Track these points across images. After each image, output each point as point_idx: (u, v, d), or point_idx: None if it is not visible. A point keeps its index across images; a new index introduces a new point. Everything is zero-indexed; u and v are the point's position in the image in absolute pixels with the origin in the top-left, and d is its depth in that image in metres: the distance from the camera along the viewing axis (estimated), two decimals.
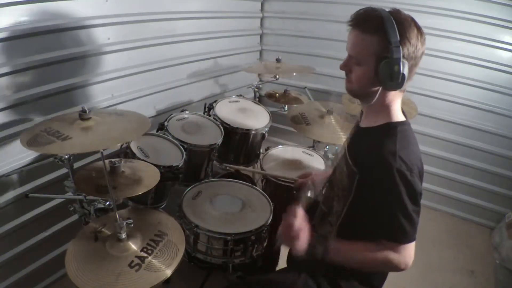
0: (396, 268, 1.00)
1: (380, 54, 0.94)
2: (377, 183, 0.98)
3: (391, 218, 0.96)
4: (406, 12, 0.98)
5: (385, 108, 1.05)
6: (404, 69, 0.93)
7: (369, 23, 0.95)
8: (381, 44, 0.93)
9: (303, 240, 1.03)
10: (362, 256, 1.03)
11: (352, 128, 1.27)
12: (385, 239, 0.99)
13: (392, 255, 0.98)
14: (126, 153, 1.55)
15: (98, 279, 1.04)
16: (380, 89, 1.01)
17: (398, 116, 1.06)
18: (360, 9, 0.99)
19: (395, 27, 0.91)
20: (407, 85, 1.03)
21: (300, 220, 1.05)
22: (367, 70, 0.98)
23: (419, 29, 0.96)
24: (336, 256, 1.04)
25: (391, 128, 1.03)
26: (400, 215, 0.95)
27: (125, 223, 1.16)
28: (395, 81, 0.94)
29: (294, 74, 2.63)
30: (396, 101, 1.05)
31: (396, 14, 0.95)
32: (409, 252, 0.99)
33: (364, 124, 1.14)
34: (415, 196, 0.96)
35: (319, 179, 1.49)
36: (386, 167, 0.95)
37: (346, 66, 1.05)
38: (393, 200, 0.95)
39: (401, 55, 0.92)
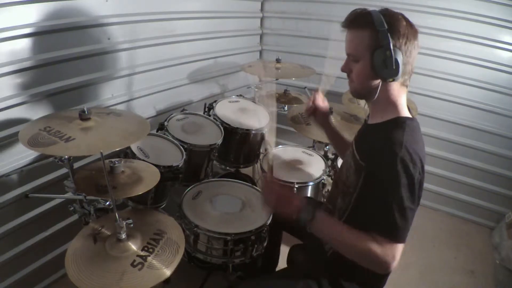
0: (378, 264, 0.96)
1: (373, 46, 0.98)
2: (379, 171, 0.97)
3: (385, 209, 0.94)
4: (404, 12, 1.02)
5: (392, 105, 1.06)
6: (397, 55, 0.96)
7: (358, 19, 1.01)
8: (372, 36, 0.98)
9: (288, 198, 1.08)
10: (346, 238, 1.00)
11: (360, 127, 1.27)
12: (374, 231, 0.96)
13: (376, 249, 0.94)
14: (126, 153, 1.55)
15: (101, 280, 1.04)
16: (380, 83, 1.03)
17: (405, 112, 1.07)
18: (351, 11, 1.04)
19: (382, 18, 0.96)
20: (408, 80, 1.05)
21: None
22: (364, 65, 1.02)
23: (408, 22, 1.00)
24: (320, 227, 1.03)
25: (399, 122, 1.03)
26: (395, 207, 0.93)
27: (125, 223, 1.16)
28: (390, 68, 0.97)
29: (293, 79, 2.63)
30: (401, 97, 1.06)
31: (384, 11, 1.00)
32: (394, 252, 0.94)
33: (372, 121, 1.14)
34: (413, 191, 0.95)
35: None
36: (390, 154, 0.94)
37: (346, 67, 1.09)
38: (391, 189, 0.94)
39: (392, 42, 0.95)
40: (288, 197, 1.09)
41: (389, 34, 0.95)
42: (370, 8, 1.02)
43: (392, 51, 0.95)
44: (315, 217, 1.02)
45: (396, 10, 1.02)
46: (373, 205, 0.99)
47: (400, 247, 0.95)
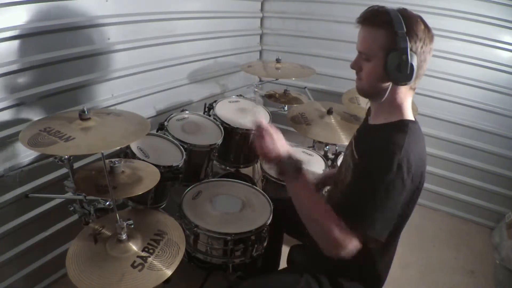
0: (330, 245, 0.93)
1: (388, 47, 0.95)
2: (373, 164, 0.95)
3: (364, 198, 0.92)
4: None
5: (397, 107, 1.04)
6: (413, 60, 0.94)
7: (376, 17, 0.98)
8: (389, 36, 0.95)
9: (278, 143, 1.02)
10: (318, 207, 0.97)
11: (359, 126, 1.26)
12: (345, 216, 0.93)
13: (337, 231, 0.91)
14: (126, 153, 1.55)
15: (102, 280, 1.04)
16: (390, 86, 1.00)
17: (409, 115, 1.05)
18: (368, 7, 1.01)
19: (402, 20, 0.93)
20: (417, 83, 1.04)
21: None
22: (376, 65, 0.99)
23: (426, 25, 0.98)
24: (301, 185, 0.99)
25: (402, 125, 1.01)
26: (378, 202, 0.91)
27: (125, 224, 1.16)
28: (404, 72, 0.94)
29: (293, 79, 2.64)
30: (407, 99, 1.04)
31: (402, 11, 0.97)
32: (352, 242, 0.92)
33: (374, 121, 1.12)
34: (398, 194, 0.92)
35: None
36: (389, 154, 0.92)
37: (356, 64, 1.05)
38: (379, 185, 0.91)
39: (409, 46, 0.93)
40: (279, 139, 1.04)
41: (407, 37, 0.92)
42: (384, 6, 0.99)
43: (409, 55, 0.92)
44: (301, 170, 0.99)
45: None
46: (356, 194, 0.96)
47: (357, 242, 0.93)
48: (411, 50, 0.93)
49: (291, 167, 1.00)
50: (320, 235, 0.97)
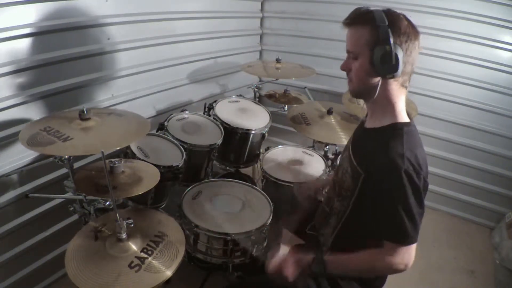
0: (396, 270, 1.01)
1: (373, 42, 0.98)
2: (384, 184, 0.98)
3: (395, 219, 0.97)
4: (405, 12, 1.02)
5: (390, 107, 1.04)
6: (397, 51, 0.95)
7: (360, 17, 1.01)
8: (373, 32, 0.97)
9: (290, 271, 1.10)
10: (362, 265, 1.05)
11: (356, 128, 1.26)
12: (387, 239, 1.00)
13: (392, 258, 0.99)
14: (126, 153, 1.55)
15: (98, 279, 1.04)
16: (380, 81, 1.01)
17: (403, 116, 1.06)
18: (353, 10, 1.04)
19: (384, 16, 0.96)
20: (407, 81, 1.04)
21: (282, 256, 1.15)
22: (364, 61, 1.01)
23: (410, 22, 1.00)
24: (334, 268, 1.07)
25: (397, 129, 1.02)
26: (404, 216, 0.96)
27: (125, 223, 1.16)
28: (389, 63, 0.96)
29: (293, 79, 2.64)
30: (400, 98, 1.05)
31: (386, 10, 1.00)
32: (409, 253, 1.00)
33: (369, 124, 1.13)
34: (420, 198, 0.97)
35: (321, 187, 1.52)
36: (394, 168, 0.95)
37: (345, 65, 1.07)
38: (399, 201, 0.96)
39: (392, 39, 0.95)
40: (298, 262, 1.11)
41: (389, 29, 0.95)
42: (373, 8, 1.01)
43: (392, 45, 0.94)
44: (326, 264, 1.07)
45: (397, 11, 1.01)
46: (381, 214, 1.00)
47: (414, 247, 1.00)
48: (395, 42, 0.95)
49: (317, 264, 1.08)
50: (385, 271, 1.11)
